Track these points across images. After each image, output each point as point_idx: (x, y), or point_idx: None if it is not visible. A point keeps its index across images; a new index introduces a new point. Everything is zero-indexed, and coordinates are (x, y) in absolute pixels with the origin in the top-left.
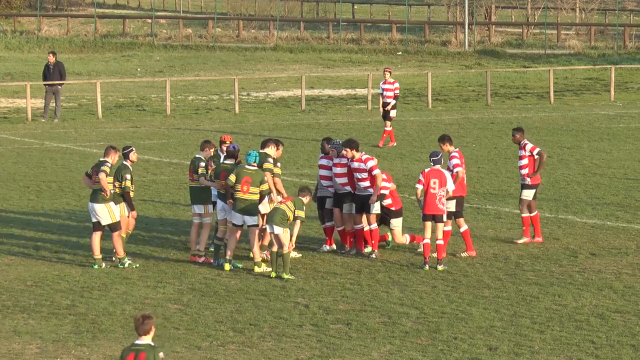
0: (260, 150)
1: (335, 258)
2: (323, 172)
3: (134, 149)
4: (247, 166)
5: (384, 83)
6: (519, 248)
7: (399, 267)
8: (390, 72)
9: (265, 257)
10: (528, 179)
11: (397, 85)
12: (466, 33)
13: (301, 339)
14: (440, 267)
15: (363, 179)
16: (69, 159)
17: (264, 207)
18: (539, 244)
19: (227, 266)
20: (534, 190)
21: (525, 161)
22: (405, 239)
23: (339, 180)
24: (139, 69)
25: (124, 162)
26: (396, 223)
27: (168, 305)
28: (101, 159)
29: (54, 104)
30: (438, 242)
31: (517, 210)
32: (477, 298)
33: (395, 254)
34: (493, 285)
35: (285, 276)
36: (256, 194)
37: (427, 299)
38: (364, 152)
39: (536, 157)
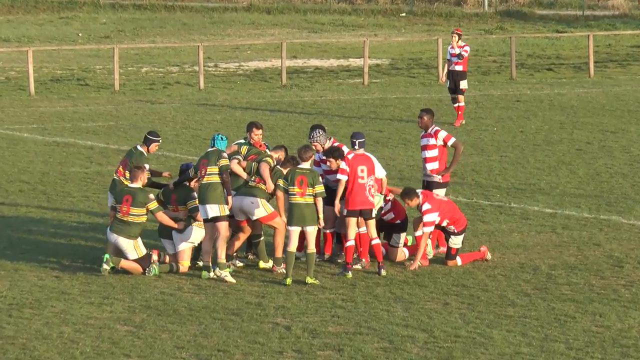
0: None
1: (323, 268)
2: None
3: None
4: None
5: (452, 47)
6: (551, 256)
7: (403, 280)
8: (459, 35)
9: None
10: (439, 177)
11: (467, 49)
12: None
13: None
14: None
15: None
16: None
17: (262, 209)
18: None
19: (204, 274)
20: (445, 189)
21: (434, 152)
22: (404, 254)
23: (331, 178)
24: (80, 34)
25: (140, 148)
26: (398, 239)
27: (116, 326)
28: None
29: None
30: (374, 242)
31: (548, 209)
32: (499, 318)
33: (397, 264)
34: (519, 302)
35: (310, 280)
36: (215, 174)
37: (437, 319)
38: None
39: (450, 149)
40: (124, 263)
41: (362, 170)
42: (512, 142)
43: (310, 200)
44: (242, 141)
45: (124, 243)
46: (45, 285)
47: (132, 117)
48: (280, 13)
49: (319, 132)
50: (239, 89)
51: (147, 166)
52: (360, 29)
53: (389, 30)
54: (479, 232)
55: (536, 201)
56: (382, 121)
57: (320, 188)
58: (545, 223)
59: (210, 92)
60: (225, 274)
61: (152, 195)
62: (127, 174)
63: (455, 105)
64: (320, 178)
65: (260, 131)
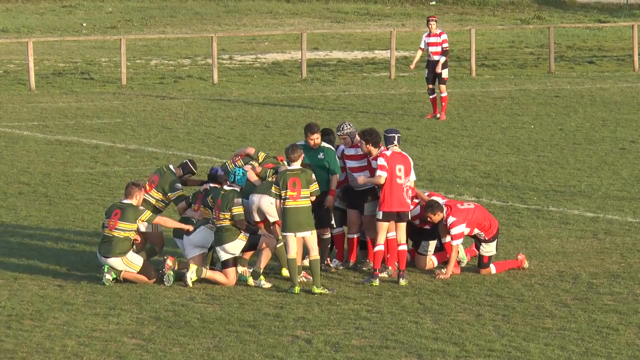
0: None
1: (347, 277)
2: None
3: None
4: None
5: (428, 36)
6: (592, 264)
7: (432, 289)
8: (436, 22)
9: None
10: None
11: (444, 37)
12: None
13: None
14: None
15: None
16: None
17: (270, 210)
18: (616, 259)
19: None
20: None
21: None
22: (433, 262)
23: (356, 175)
24: (84, 24)
25: (172, 168)
26: (427, 247)
27: (124, 339)
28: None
29: None
30: (401, 247)
31: (589, 213)
32: (536, 330)
33: (425, 272)
34: (558, 313)
35: (317, 290)
36: (227, 220)
37: (470, 332)
38: (383, 148)
39: None
40: (126, 273)
41: (399, 170)
42: (551, 140)
43: (305, 203)
44: (302, 143)
45: (115, 263)
46: (47, 295)
47: (140, 113)
48: (300, 1)
49: (349, 125)
50: (256, 83)
51: (179, 186)
52: (387, 18)
53: (417, 19)
54: (515, 238)
55: (576, 204)
56: (410, 118)
57: (315, 187)
58: (586, 228)
59: (224, 87)
60: (263, 283)
61: (142, 207)
62: (157, 194)
63: (433, 96)
64: (313, 175)
65: (315, 135)
